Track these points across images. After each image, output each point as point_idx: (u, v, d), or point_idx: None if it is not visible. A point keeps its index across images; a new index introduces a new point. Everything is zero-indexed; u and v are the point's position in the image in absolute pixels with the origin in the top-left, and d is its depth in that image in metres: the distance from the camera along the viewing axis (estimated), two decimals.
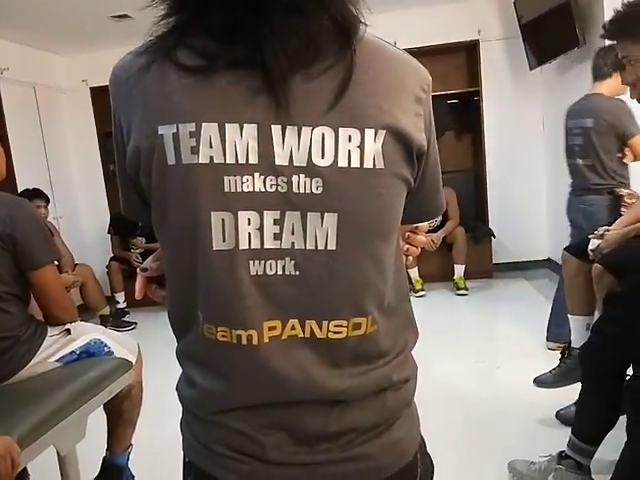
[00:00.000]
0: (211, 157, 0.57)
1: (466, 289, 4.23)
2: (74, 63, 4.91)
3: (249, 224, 0.58)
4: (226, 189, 0.57)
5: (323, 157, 0.58)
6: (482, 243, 4.52)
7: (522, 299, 4.04)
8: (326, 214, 0.59)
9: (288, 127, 0.57)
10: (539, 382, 2.35)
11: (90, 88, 4.85)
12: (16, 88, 4.26)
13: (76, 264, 3.94)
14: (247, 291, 0.59)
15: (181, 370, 0.73)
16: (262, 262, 0.59)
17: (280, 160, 0.57)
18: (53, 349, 1.64)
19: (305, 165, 0.58)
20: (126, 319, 4.36)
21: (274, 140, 0.57)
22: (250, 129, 0.57)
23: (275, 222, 0.59)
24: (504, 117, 4.62)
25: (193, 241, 0.59)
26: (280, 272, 0.60)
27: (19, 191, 3.84)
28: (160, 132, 0.58)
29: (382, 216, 0.62)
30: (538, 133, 4.62)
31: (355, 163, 0.58)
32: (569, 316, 2.31)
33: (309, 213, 0.58)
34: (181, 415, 0.74)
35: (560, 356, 2.33)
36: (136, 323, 4.28)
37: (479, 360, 2.96)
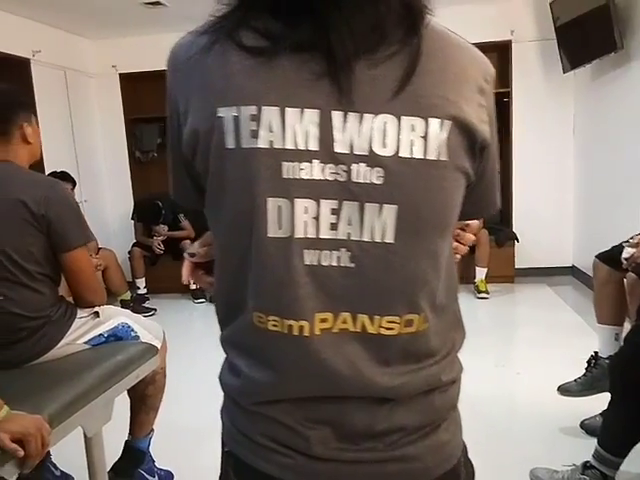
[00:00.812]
0: (271, 142, 0.56)
1: (487, 293, 4.18)
2: (104, 48, 4.95)
3: (306, 212, 0.57)
4: (284, 175, 0.56)
5: (385, 146, 0.56)
6: (505, 247, 4.47)
7: (544, 305, 3.98)
8: (385, 205, 0.57)
9: (350, 114, 0.56)
10: (563, 390, 2.31)
11: (119, 74, 4.88)
12: (47, 71, 4.31)
13: (99, 248, 3.98)
14: (301, 281, 0.58)
15: (224, 358, 0.72)
16: (317, 252, 0.58)
17: (340, 148, 0.56)
18: (82, 331, 1.65)
19: (366, 154, 0.56)
20: (146, 305, 4.40)
21: (335, 127, 0.56)
22: (311, 114, 0.56)
23: (332, 212, 0.57)
24: (534, 120, 4.55)
25: (248, 227, 0.58)
26: (335, 263, 0.58)
27: (46, 173, 3.88)
28: (220, 114, 0.57)
29: (443, 210, 0.60)
30: (568, 138, 4.54)
31: (418, 154, 0.57)
32: (597, 325, 2.27)
33: (367, 204, 0.57)
34: (222, 403, 0.73)
35: (586, 365, 2.29)
36: (156, 309, 4.32)
37: (499, 364, 2.93)
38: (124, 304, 4.14)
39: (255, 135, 0.56)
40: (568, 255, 4.66)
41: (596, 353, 2.27)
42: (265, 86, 0.56)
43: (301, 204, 0.57)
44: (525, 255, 4.60)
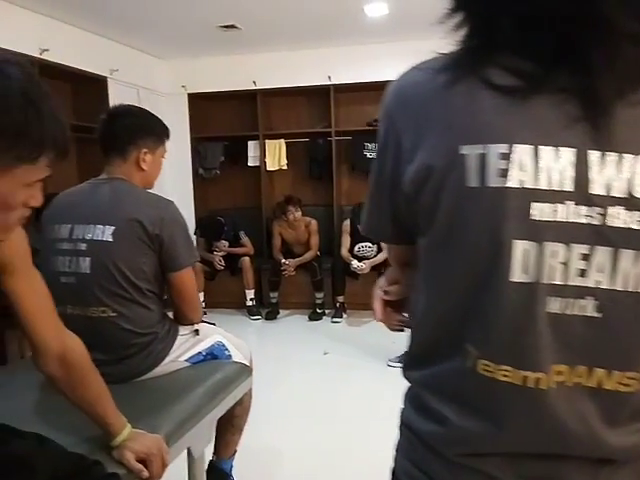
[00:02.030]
0: (522, 181, 0.54)
1: None
2: (175, 68, 5.12)
3: (554, 257, 0.54)
4: (533, 217, 0.54)
5: None
6: None
7: None
8: None
9: (608, 154, 0.53)
10: None
11: (188, 94, 5.04)
12: (122, 89, 4.48)
13: None
14: (542, 330, 0.55)
15: (409, 397, 0.70)
16: (561, 300, 0.55)
17: (596, 189, 0.54)
18: (184, 348, 1.66)
19: (625, 197, 0.53)
20: (204, 319, 4.43)
21: (591, 167, 0.53)
22: (567, 153, 0.54)
23: (583, 257, 0.54)
24: None
25: (485, 269, 0.56)
26: (578, 312, 0.55)
27: None
28: (463, 152, 0.56)
29: None
30: None
31: None
32: None
33: (624, 250, 0.54)
34: (400, 445, 0.71)
35: None
36: (214, 323, 4.35)
37: None
38: None
39: (504, 174, 0.54)
40: None
41: None
42: (517, 125, 0.55)
43: (550, 247, 0.54)
44: None
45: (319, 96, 5.00)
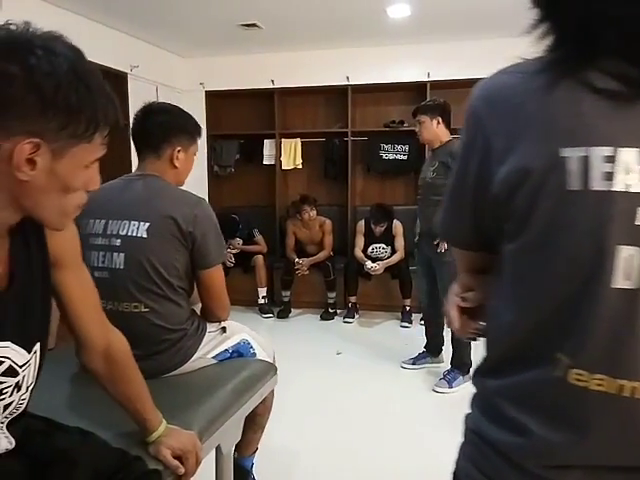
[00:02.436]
0: (627, 185, 0.54)
1: None
2: (194, 66, 5.13)
3: None
4: (638, 222, 0.54)
5: None
6: None
7: None
8: None
9: None
10: None
11: (205, 91, 5.05)
12: (141, 85, 4.50)
13: None
14: None
15: (479, 405, 0.69)
16: None
17: None
18: (211, 345, 1.67)
19: None
20: None
21: None
22: None
23: None
24: None
25: (585, 274, 0.55)
26: None
27: None
28: (564, 154, 0.55)
29: None
30: None
31: None
32: None
33: None
34: (467, 452, 0.70)
35: None
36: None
37: None
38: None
39: (610, 177, 0.54)
40: None
41: None
42: (621, 128, 0.55)
43: None
44: None
45: (336, 96, 5.00)
